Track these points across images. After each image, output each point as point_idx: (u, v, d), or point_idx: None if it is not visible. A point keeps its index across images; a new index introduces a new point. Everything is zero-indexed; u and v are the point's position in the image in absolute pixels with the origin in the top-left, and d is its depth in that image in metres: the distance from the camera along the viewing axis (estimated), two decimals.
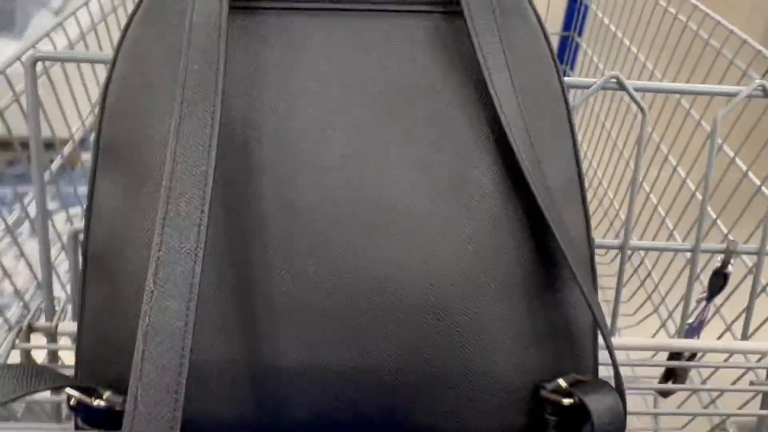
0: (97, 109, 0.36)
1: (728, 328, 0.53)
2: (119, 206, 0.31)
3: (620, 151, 0.84)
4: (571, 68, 1.00)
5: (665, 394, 0.57)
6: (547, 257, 0.32)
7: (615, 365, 0.31)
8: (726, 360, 0.52)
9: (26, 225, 0.46)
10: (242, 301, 0.29)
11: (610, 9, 0.91)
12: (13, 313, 0.48)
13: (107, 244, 0.31)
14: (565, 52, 0.99)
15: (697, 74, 0.69)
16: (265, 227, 0.30)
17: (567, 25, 0.99)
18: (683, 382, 0.51)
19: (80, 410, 0.30)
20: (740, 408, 0.51)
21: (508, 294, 0.31)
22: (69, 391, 0.29)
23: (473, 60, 0.32)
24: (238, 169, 0.30)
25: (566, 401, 0.30)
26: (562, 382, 0.31)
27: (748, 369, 0.48)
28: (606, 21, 0.89)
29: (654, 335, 0.65)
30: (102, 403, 0.29)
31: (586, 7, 0.95)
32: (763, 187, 0.53)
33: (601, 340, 0.33)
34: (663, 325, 0.62)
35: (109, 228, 0.31)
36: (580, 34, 0.97)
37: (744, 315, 0.49)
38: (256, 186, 0.30)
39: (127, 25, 0.32)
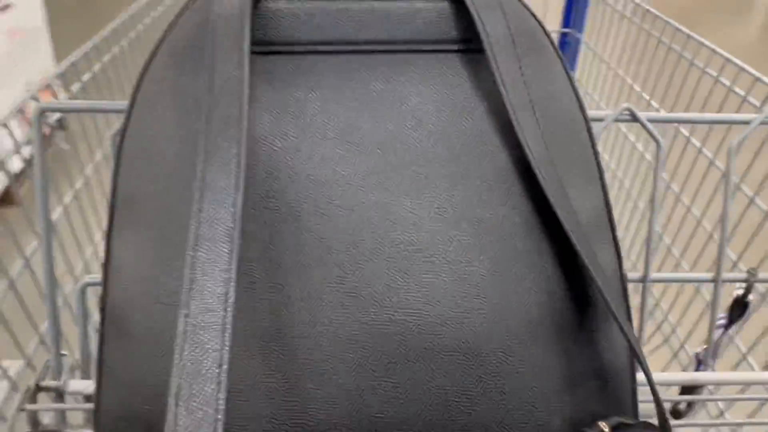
0: (102, 159, 0.35)
1: (744, 358, 0.53)
2: (141, 261, 0.30)
3: (623, 182, 0.84)
4: (572, 68, 0.98)
5: (678, 414, 0.56)
6: (581, 296, 0.31)
7: (659, 405, 0.30)
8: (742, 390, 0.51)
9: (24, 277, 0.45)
10: (274, 358, 0.28)
11: (601, 45, 0.91)
12: (17, 372, 0.47)
13: (129, 301, 0.30)
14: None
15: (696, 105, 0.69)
16: (290, 278, 0.29)
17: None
18: (693, 409, 0.50)
19: None
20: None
21: (540, 335, 0.30)
22: None
23: (495, 99, 0.32)
24: (260, 218, 0.29)
25: None
26: (604, 426, 0.30)
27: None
28: (602, 57, 0.90)
29: (666, 367, 0.64)
30: None
31: (578, 40, 0.96)
32: None
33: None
34: (675, 355, 0.61)
35: (131, 284, 0.30)
36: (573, 67, 0.97)
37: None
38: (279, 234, 0.29)
39: (143, 74, 0.32)
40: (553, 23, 0.99)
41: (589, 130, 0.33)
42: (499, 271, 0.30)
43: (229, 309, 0.25)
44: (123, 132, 0.31)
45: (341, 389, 0.28)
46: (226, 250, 0.25)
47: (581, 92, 0.98)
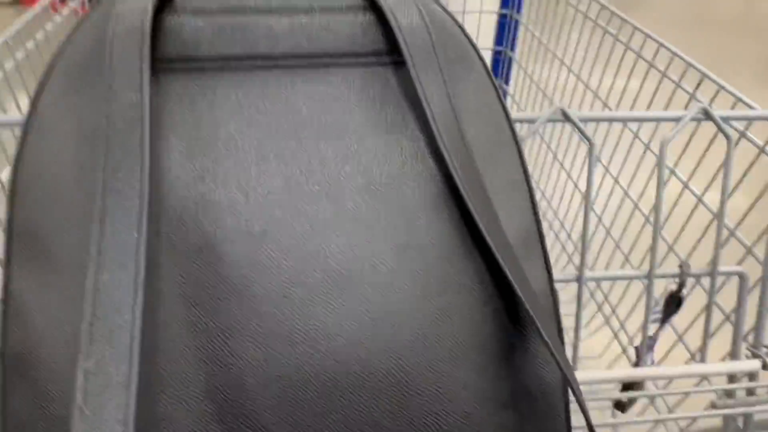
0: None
1: (691, 353, 0.53)
2: (40, 299, 0.28)
3: (569, 179, 0.84)
4: (506, 83, 0.99)
5: (622, 407, 0.57)
6: (511, 316, 0.30)
7: (590, 427, 0.30)
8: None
9: None
10: (194, 400, 0.27)
11: (540, 26, 0.91)
12: None
13: (28, 342, 0.28)
14: (499, 68, 0.99)
15: (644, 97, 0.69)
16: (206, 313, 0.27)
17: (499, 40, 0.98)
18: (635, 402, 0.51)
19: None
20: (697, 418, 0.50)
21: (471, 358, 0.29)
22: None
23: (419, 114, 0.30)
24: (172, 251, 0.27)
25: None
26: None
27: (702, 391, 0.47)
28: (540, 39, 0.89)
29: (614, 362, 0.64)
30: None
31: (517, 22, 0.95)
32: (709, 205, 0.53)
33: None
34: (624, 351, 0.62)
35: (29, 324, 0.28)
36: (512, 48, 0.96)
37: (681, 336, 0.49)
38: (193, 267, 0.27)
39: (37, 95, 0.29)
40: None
41: (516, 142, 0.32)
42: (427, 296, 0.29)
43: (134, 364, 0.23)
44: (18, 158, 0.29)
45: (267, 430, 0.27)
46: (129, 299, 0.24)
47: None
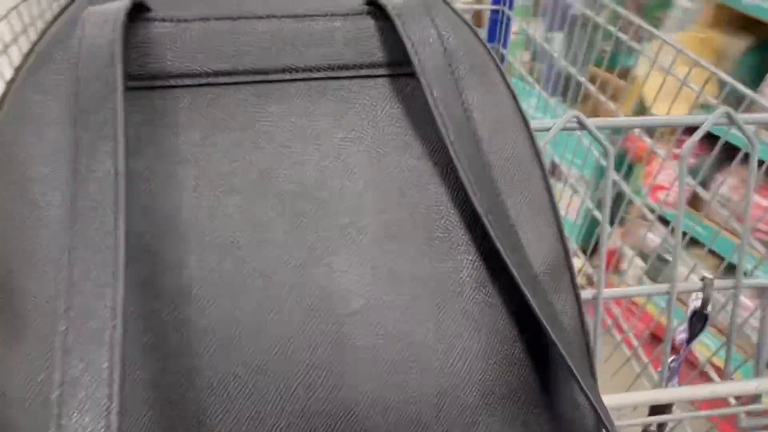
0: None
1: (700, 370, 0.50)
2: (16, 360, 0.24)
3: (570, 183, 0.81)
4: (504, 46, 0.94)
5: None
6: (539, 356, 0.27)
7: None
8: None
9: None
10: None
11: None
12: None
13: (6, 405, 0.24)
14: (497, 29, 0.94)
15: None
16: (197, 366, 0.23)
17: None
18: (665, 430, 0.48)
19: None
20: None
21: (498, 405, 0.26)
22: None
23: (433, 132, 0.27)
24: (155, 299, 0.24)
25: None
26: None
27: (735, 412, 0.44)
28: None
29: (630, 386, 0.61)
30: None
31: None
32: (731, 219, 0.50)
33: None
34: (639, 375, 0.59)
35: (7, 387, 0.24)
36: (510, 6, 0.92)
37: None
38: (180, 314, 0.24)
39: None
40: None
41: (540, 159, 0.29)
42: (446, 337, 0.25)
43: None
44: None
45: None
46: (105, 364, 0.20)
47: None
